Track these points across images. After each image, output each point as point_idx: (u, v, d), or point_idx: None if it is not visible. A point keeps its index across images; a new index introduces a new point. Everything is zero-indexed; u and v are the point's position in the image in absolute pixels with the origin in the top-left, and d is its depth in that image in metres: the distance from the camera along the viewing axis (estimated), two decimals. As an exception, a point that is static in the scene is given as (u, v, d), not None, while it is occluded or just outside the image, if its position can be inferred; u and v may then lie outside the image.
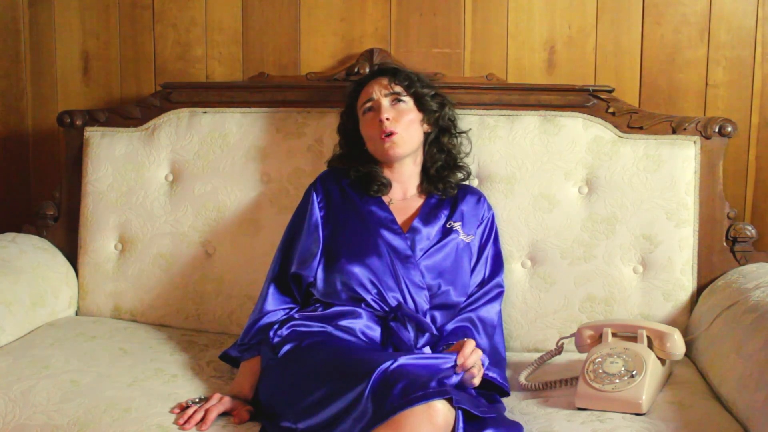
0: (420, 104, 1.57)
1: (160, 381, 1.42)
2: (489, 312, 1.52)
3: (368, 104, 1.55)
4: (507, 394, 1.41)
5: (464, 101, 1.74)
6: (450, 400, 1.10)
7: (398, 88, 1.55)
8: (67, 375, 1.41)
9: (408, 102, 1.55)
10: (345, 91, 1.66)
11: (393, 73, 1.58)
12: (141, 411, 1.28)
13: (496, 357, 1.46)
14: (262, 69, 1.97)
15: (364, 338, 1.39)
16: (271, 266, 1.55)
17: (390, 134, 1.49)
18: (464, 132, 1.67)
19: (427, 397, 1.08)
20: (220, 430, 1.25)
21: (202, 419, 1.24)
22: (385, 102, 1.53)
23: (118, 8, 2.07)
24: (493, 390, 1.38)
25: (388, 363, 1.16)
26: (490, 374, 1.36)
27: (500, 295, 1.56)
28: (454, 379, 1.17)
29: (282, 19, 1.99)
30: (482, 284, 1.54)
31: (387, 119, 1.50)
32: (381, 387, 1.12)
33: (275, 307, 1.48)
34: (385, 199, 1.56)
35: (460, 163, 1.63)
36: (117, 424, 1.25)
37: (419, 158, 1.60)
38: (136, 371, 1.45)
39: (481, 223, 1.59)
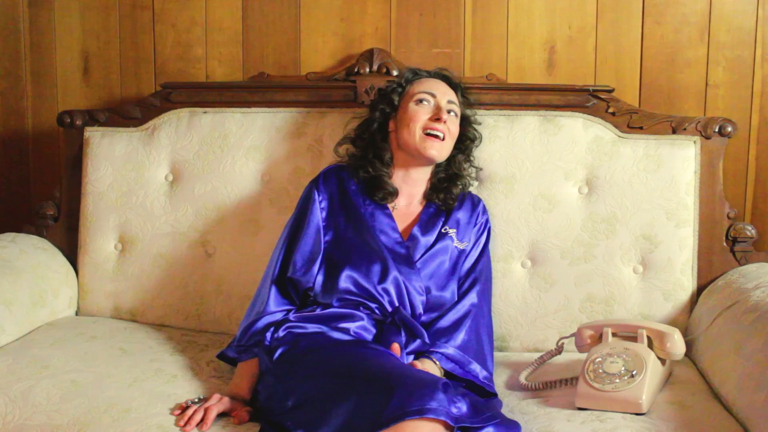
0: (464, 128, 1.61)
1: (160, 381, 1.42)
2: (464, 305, 1.50)
3: (426, 96, 1.54)
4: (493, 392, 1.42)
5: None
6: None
7: (458, 103, 1.59)
8: (67, 375, 1.41)
9: (457, 119, 1.59)
10: (402, 74, 1.68)
11: (457, 88, 1.62)
12: (141, 411, 1.29)
13: (478, 351, 1.45)
14: (262, 69, 1.98)
15: (359, 339, 1.39)
16: (271, 264, 1.54)
17: (436, 136, 1.50)
18: (478, 168, 1.70)
19: (422, 412, 1.07)
20: (220, 431, 1.25)
21: (202, 419, 1.24)
22: (445, 106, 1.54)
23: (118, 8, 2.07)
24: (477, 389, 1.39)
25: (387, 371, 1.17)
26: (471, 375, 1.39)
27: (476, 283, 1.54)
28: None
29: (282, 19, 1.99)
30: (465, 278, 1.55)
31: (444, 121, 1.51)
32: (379, 395, 1.11)
33: (276, 308, 1.46)
34: (389, 204, 1.56)
35: (460, 183, 1.63)
36: (117, 424, 1.25)
37: (432, 169, 1.60)
38: (136, 371, 1.45)
39: (475, 226, 1.60)
